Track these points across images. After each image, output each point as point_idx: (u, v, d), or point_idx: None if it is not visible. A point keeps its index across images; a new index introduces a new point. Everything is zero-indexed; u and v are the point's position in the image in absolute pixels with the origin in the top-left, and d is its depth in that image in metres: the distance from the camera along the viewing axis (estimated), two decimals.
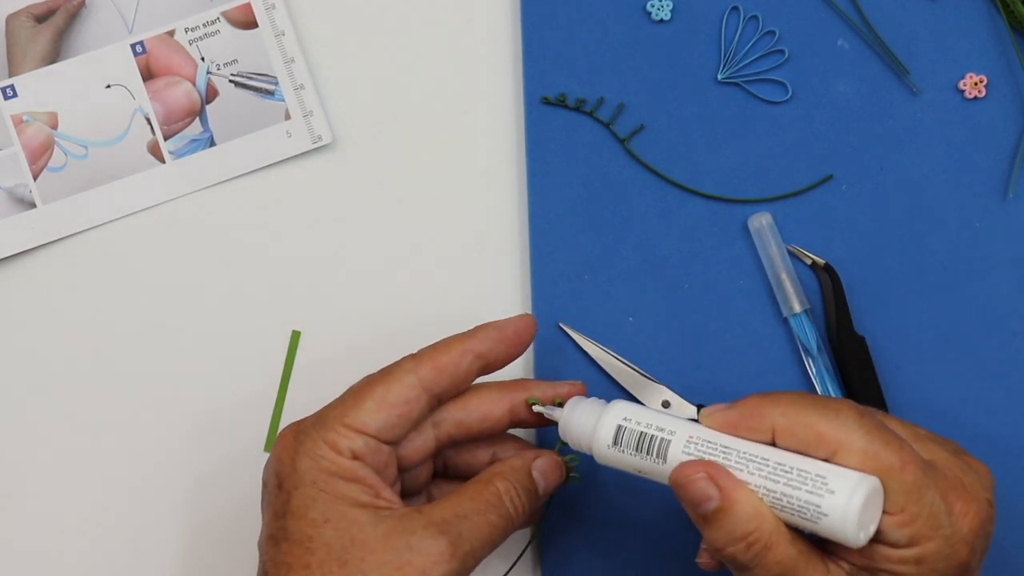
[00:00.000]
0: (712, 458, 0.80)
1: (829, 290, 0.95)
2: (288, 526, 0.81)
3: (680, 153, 0.97)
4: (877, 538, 0.78)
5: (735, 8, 0.98)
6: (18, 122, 0.98)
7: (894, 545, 0.78)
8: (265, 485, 0.84)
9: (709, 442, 0.80)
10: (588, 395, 0.87)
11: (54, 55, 0.98)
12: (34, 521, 0.96)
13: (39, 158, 0.98)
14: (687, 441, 0.81)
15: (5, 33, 0.98)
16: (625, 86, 0.97)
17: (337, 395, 0.85)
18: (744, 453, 0.79)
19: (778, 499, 0.78)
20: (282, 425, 0.96)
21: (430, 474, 0.89)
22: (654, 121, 0.97)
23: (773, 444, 0.79)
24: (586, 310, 0.96)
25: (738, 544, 0.78)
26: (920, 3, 0.98)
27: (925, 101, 0.97)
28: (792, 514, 0.78)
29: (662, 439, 0.81)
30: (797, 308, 0.95)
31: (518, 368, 0.96)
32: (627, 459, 0.82)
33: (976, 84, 0.97)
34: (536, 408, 0.86)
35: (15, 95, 0.98)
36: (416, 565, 0.80)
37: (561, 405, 0.86)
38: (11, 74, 0.98)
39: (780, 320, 0.96)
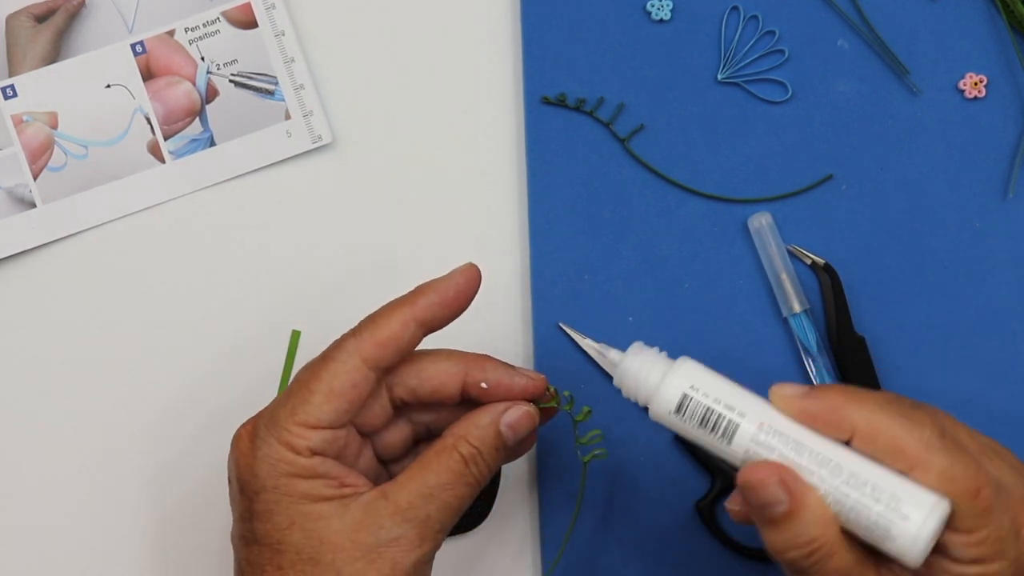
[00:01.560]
0: (782, 453, 0.77)
1: (829, 290, 0.95)
2: (256, 529, 0.81)
3: (680, 153, 0.97)
4: (941, 550, 0.77)
5: (735, 8, 0.98)
6: (18, 122, 0.98)
7: (957, 561, 0.77)
8: (229, 482, 0.84)
9: (781, 434, 0.77)
10: (552, 391, 0.85)
11: (54, 55, 0.98)
12: (33, 520, 0.96)
13: (39, 158, 0.98)
14: (758, 427, 0.77)
15: (5, 33, 0.98)
16: (625, 86, 0.97)
17: None
18: (818, 454, 0.77)
19: (847, 511, 0.76)
20: None
21: (408, 434, 0.88)
22: (654, 121, 0.97)
23: (848, 443, 0.77)
24: (586, 310, 0.96)
25: (802, 549, 0.76)
26: (920, 3, 0.98)
27: (925, 101, 0.97)
28: (857, 527, 0.76)
29: (730, 420, 0.78)
30: (797, 308, 0.95)
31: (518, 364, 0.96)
32: (688, 430, 0.79)
33: (976, 84, 0.97)
34: (588, 343, 0.83)
35: (15, 95, 0.98)
36: (387, 556, 0.80)
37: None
38: (11, 74, 0.98)
39: (780, 320, 0.96)
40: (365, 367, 0.82)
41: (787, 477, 0.76)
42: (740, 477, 0.77)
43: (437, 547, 0.81)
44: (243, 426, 0.83)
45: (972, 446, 0.79)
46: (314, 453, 0.81)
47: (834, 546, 0.77)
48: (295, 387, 0.83)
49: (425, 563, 0.81)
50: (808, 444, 0.77)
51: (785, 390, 0.78)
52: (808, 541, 0.76)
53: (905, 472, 0.76)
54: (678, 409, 0.79)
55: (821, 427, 0.77)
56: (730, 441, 0.78)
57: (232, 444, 0.83)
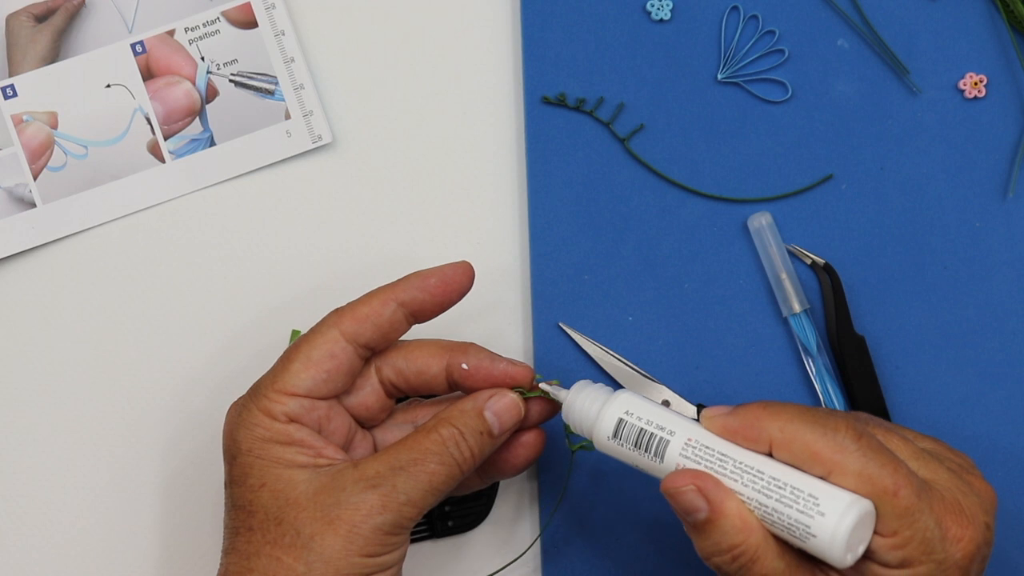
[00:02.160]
0: (708, 465, 0.80)
1: (829, 290, 0.95)
2: (233, 494, 0.83)
3: (680, 153, 0.97)
4: (869, 556, 0.78)
5: (735, 8, 0.98)
6: (18, 122, 0.98)
7: (885, 565, 0.78)
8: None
9: (707, 448, 0.80)
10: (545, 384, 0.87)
11: (54, 55, 0.98)
12: (32, 519, 0.96)
13: (39, 158, 0.98)
14: (685, 444, 0.80)
15: (5, 33, 0.98)
16: (625, 86, 0.97)
17: None
18: (740, 463, 0.79)
19: (769, 514, 0.78)
20: None
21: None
22: (654, 121, 0.97)
23: (771, 455, 0.79)
24: (586, 310, 0.96)
25: (724, 555, 0.78)
26: (920, 3, 0.98)
27: (925, 101, 0.97)
28: (782, 530, 0.78)
29: (661, 438, 0.81)
30: (797, 308, 0.95)
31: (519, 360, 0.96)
32: (625, 453, 0.82)
33: (976, 84, 0.97)
34: (542, 386, 0.86)
35: (15, 95, 0.98)
36: (345, 519, 0.81)
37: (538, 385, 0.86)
38: (11, 74, 0.98)
39: (780, 320, 0.96)
40: (343, 339, 0.84)
41: (706, 485, 0.79)
42: (662, 485, 0.80)
43: (404, 520, 0.82)
44: (234, 401, 0.86)
45: (904, 450, 0.80)
46: (291, 419, 0.83)
47: (758, 552, 0.78)
48: (279, 359, 0.85)
49: (388, 533, 0.81)
50: (731, 455, 0.80)
51: (712, 411, 0.81)
52: (730, 547, 0.78)
53: (824, 476, 0.78)
54: (615, 433, 0.82)
55: (742, 441, 0.80)
56: (662, 459, 0.81)
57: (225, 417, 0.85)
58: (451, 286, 0.86)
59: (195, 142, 0.98)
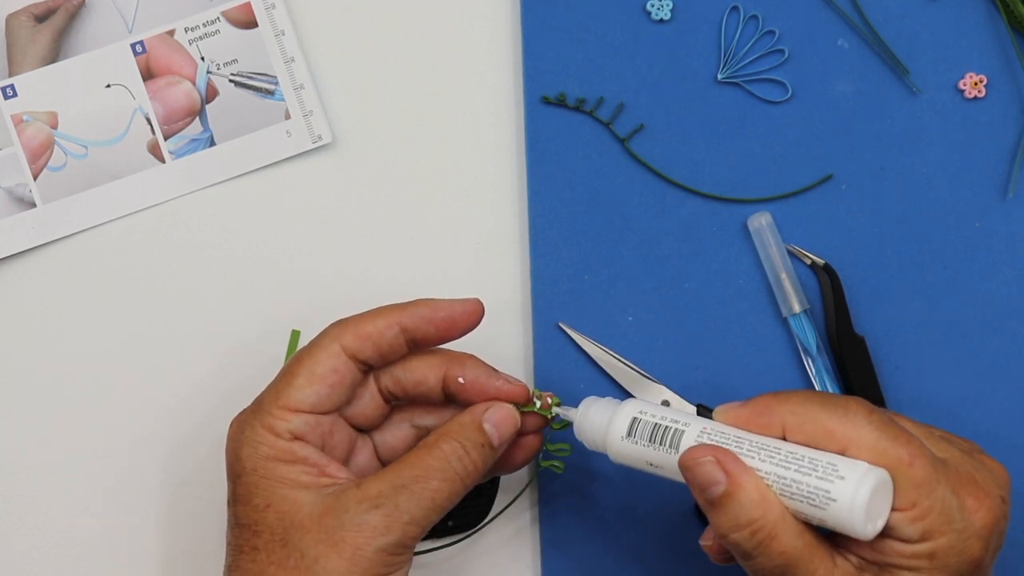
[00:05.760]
0: (724, 446, 0.79)
1: (829, 290, 0.95)
2: (237, 512, 0.83)
3: (680, 153, 0.97)
4: (888, 533, 0.78)
5: (735, 8, 0.98)
6: (18, 122, 0.98)
7: (905, 540, 0.77)
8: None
9: (722, 432, 0.80)
10: (541, 395, 0.87)
11: (54, 55, 0.98)
12: (32, 519, 0.96)
13: (39, 158, 0.98)
14: (700, 431, 0.81)
15: (5, 33, 0.98)
16: (625, 86, 0.97)
17: None
18: (756, 442, 0.79)
19: (788, 485, 0.78)
20: None
21: (410, 436, 0.89)
22: (654, 121, 0.97)
23: (784, 440, 0.79)
24: (586, 310, 0.96)
25: (742, 531, 0.78)
26: (920, 3, 0.98)
27: (925, 101, 0.97)
28: (801, 501, 0.78)
29: (676, 430, 0.81)
30: (797, 308, 0.95)
31: (517, 366, 0.96)
32: (640, 451, 0.82)
33: (976, 84, 0.97)
34: (555, 410, 0.86)
35: (15, 95, 0.98)
36: (349, 541, 0.81)
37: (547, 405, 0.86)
38: (11, 74, 0.98)
39: (780, 320, 0.96)
40: (344, 354, 0.84)
41: (724, 458, 0.79)
42: (680, 459, 0.79)
43: (408, 539, 0.82)
44: (236, 416, 0.85)
45: (915, 430, 0.80)
46: (295, 437, 0.83)
47: (776, 528, 0.78)
48: (280, 374, 0.85)
49: (392, 553, 0.81)
50: (747, 437, 0.80)
51: (724, 406, 0.82)
52: (748, 522, 0.78)
53: (839, 453, 0.78)
54: (629, 432, 0.82)
55: (755, 428, 0.80)
56: (677, 449, 0.81)
57: (227, 433, 0.85)
58: (458, 324, 0.86)
59: (195, 142, 0.98)
